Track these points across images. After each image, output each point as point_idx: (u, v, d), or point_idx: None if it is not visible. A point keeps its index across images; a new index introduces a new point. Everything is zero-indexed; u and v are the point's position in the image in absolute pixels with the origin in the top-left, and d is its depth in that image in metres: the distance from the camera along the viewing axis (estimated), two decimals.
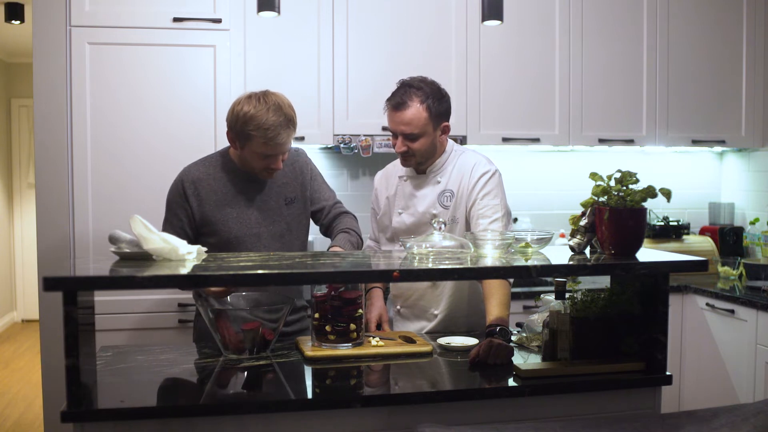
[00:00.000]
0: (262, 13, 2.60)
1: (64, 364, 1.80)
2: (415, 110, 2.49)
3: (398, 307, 2.74)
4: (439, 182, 2.63)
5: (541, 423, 1.94)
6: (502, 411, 2.03)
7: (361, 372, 2.20)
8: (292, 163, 2.63)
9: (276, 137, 2.41)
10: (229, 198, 2.53)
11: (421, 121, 2.50)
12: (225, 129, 3.24)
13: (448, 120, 2.59)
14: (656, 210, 4.21)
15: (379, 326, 2.67)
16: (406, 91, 2.51)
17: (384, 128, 3.63)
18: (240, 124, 2.43)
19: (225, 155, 2.59)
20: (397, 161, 2.75)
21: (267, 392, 2.06)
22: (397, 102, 2.51)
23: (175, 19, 3.25)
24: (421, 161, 2.60)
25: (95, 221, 3.22)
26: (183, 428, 1.87)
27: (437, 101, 2.52)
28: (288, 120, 2.43)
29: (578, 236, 2.20)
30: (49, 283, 1.77)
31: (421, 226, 2.62)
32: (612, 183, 2.13)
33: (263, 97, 2.45)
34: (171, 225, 2.52)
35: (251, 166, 2.51)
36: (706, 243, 4.14)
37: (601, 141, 3.95)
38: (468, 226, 2.60)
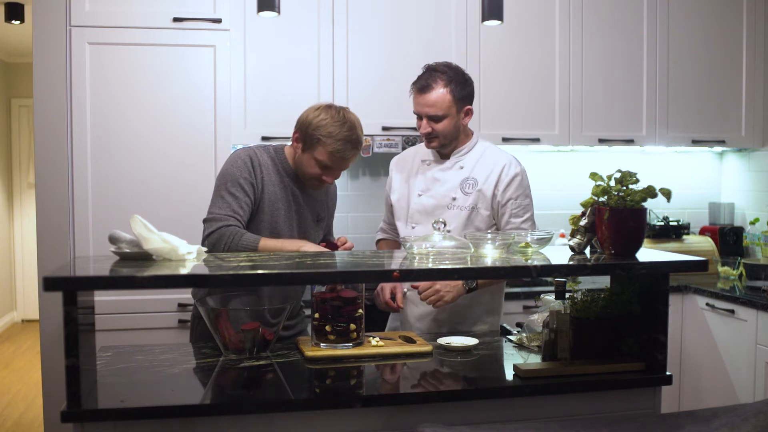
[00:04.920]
0: (262, 13, 2.60)
1: (64, 364, 1.80)
2: (439, 93, 2.59)
3: (405, 290, 2.75)
4: (462, 168, 2.70)
5: (541, 423, 1.94)
6: (502, 411, 2.03)
7: (361, 372, 2.20)
8: (329, 186, 2.65)
9: (343, 151, 2.43)
10: (282, 195, 2.52)
11: (445, 103, 2.60)
12: (225, 129, 3.24)
13: (471, 104, 2.68)
14: (656, 210, 4.21)
15: (393, 298, 2.69)
16: (430, 74, 2.62)
17: (384, 128, 3.64)
18: (312, 127, 2.43)
19: (280, 153, 2.56)
20: (417, 147, 2.86)
21: (267, 392, 2.06)
22: (422, 85, 2.62)
23: (175, 19, 3.25)
24: (444, 143, 2.68)
25: (95, 221, 3.22)
26: (183, 428, 1.87)
27: (460, 85, 2.62)
28: (358, 141, 2.47)
29: (578, 236, 2.20)
30: (49, 283, 1.78)
31: (439, 209, 2.69)
32: (612, 183, 2.13)
33: (343, 111, 2.48)
34: (237, 201, 2.41)
35: (304, 172, 2.49)
36: (706, 243, 4.14)
37: (601, 141, 3.95)
38: (491, 220, 2.68)
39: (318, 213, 2.62)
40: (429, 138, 2.65)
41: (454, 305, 2.67)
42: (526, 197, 2.69)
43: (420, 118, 2.65)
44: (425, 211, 2.71)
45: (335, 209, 2.79)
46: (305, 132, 2.45)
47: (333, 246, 2.51)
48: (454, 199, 2.67)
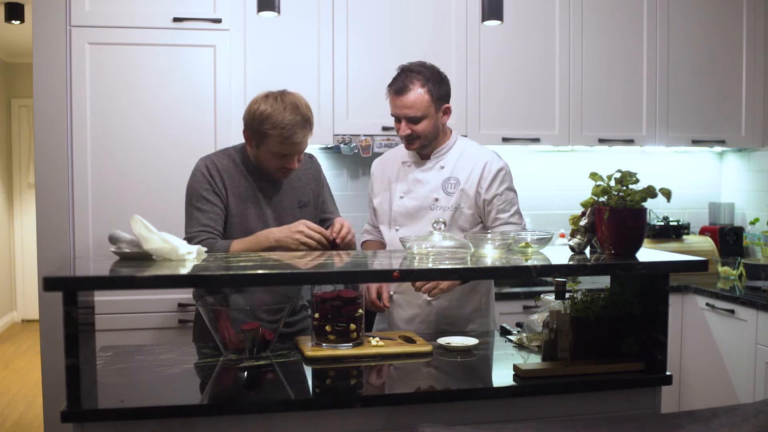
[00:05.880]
0: (262, 13, 2.60)
1: (64, 364, 1.80)
2: (417, 94, 2.57)
3: (392, 292, 2.75)
4: (443, 168, 2.68)
5: (541, 423, 1.94)
6: (502, 411, 2.03)
7: (361, 372, 2.20)
8: (306, 168, 2.65)
9: (292, 136, 2.41)
10: (250, 194, 2.53)
11: (423, 104, 2.57)
12: (225, 129, 3.24)
13: (448, 102, 2.66)
14: (656, 210, 4.21)
15: (379, 297, 2.67)
16: (406, 75, 2.59)
17: (384, 128, 3.64)
18: (257, 122, 2.43)
19: (242, 151, 2.58)
20: (396, 149, 2.83)
21: (267, 392, 2.06)
22: (398, 87, 2.59)
23: (175, 19, 3.25)
24: (425, 144, 2.66)
25: (95, 221, 3.22)
26: (183, 428, 1.87)
27: (437, 84, 2.60)
28: (305, 120, 2.44)
29: (578, 236, 2.20)
30: (49, 283, 1.78)
31: (421, 211, 2.66)
32: (612, 183, 2.13)
33: (280, 96, 2.45)
34: (205, 214, 2.45)
35: (266, 166, 2.50)
36: (706, 243, 4.14)
37: (601, 141, 3.95)
38: (475, 219, 2.65)
39: (299, 199, 2.61)
40: (409, 140, 2.63)
41: (441, 308, 2.67)
42: (510, 191, 2.68)
43: (398, 120, 2.62)
44: (408, 213, 2.69)
45: (327, 187, 2.75)
46: (251, 128, 2.46)
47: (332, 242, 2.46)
48: (436, 199, 2.65)
